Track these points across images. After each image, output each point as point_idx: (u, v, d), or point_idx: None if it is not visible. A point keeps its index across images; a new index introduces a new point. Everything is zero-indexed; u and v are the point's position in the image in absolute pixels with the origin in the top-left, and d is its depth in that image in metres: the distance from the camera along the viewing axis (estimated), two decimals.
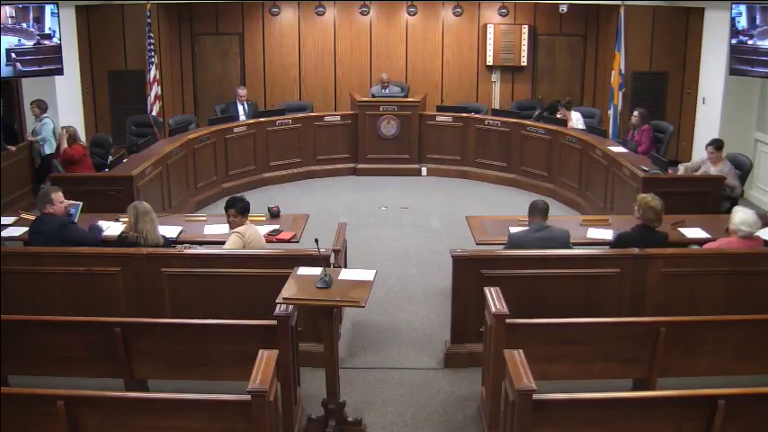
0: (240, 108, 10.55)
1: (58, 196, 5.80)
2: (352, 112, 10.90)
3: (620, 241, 5.57)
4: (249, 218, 5.90)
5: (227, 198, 6.08)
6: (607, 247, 5.95)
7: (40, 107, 9.28)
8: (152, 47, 10.96)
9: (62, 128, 8.67)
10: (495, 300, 4.56)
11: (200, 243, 6.18)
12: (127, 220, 5.58)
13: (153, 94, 11.00)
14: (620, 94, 10.97)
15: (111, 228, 6.24)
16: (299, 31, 12.54)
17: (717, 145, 7.76)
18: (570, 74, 12.58)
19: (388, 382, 5.31)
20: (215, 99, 11.86)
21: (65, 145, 8.39)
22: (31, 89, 9.78)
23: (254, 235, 5.74)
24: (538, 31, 12.40)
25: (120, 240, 5.53)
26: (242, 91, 10.75)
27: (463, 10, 12.23)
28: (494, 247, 5.85)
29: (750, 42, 8.51)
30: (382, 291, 6.68)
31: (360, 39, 12.59)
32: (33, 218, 6.41)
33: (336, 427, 4.60)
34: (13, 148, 9.00)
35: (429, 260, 7.53)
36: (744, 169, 7.88)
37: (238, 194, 6.62)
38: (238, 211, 5.72)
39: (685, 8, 10.98)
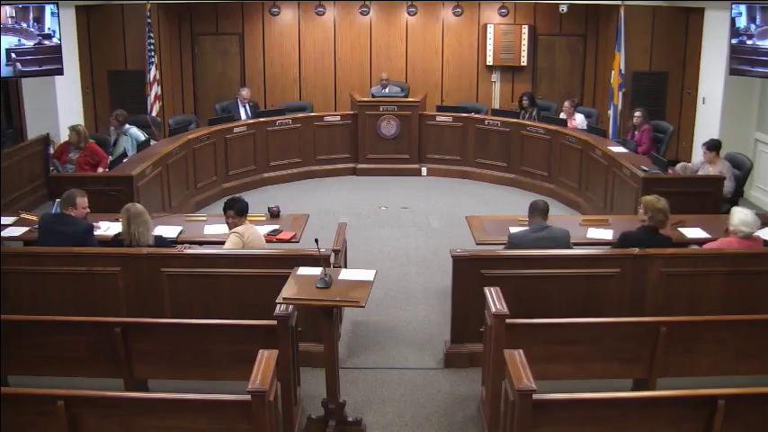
0: (242, 110, 10.51)
1: (82, 201, 5.78)
2: (352, 112, 10.89)
3: (624, 241, 5.56)
4: (249, 218, 5.89)
5: (225, 199, 6.07)
6: (607, 247, 5.95)
7: (119, 119, 9.25)
8: (152, 47, 10.96)
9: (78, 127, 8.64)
10: (495, 300, 4.56)
11: (201, 243, 6.17)
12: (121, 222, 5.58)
13: (153, 94, 11.00)
14: (620, 94, 10.98)
15: (111, 228, 6.24)
16: (299, 31, 12.54)
17: (709, 145, 7.79)
18: (570, 74, 12.59)
19: (388, 382, 5.31)
20: (215, 99, 11.85)
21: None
22: (31, 89, 9.78)
23: (254, 235, 5.73)
24: (538, 31, 12.40)
25: (116, 243, 5.53)
26: (245, 92, 10.66)
27: (463, 10, 12.23)
28: (494, 247, 5.85)
29: (750, 42, 8.50)
30: (382, 291, 6.68)
31: (360, 39, 12.60)
32: (36, 218, 6.40)
33: (336, 427, 4.60)
34: None
35: (429, 260, 7.53)
36: (744, 169, 7.88)
37: (237, 195, 6.60)
38: (236, 212, 5.72)
39: (685, 8, 10.98)
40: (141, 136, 9.25)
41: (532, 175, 10.07)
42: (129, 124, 9.44)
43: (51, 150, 9.27)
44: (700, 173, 7.84)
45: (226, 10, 12.31)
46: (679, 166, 8.27)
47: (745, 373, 4.70)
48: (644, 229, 5.56)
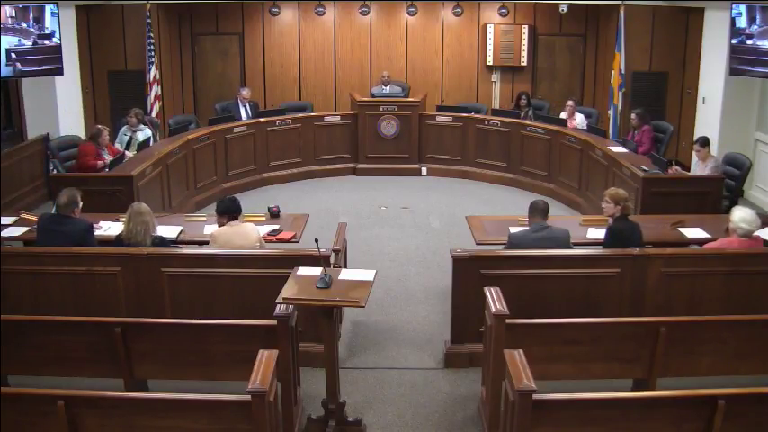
0: (242, 110, 10.53)
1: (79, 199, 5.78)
2: (352, 112, 10.90)
3: (614, 236, 5.58)
4: (248, 217, 5.87)
5: None
6: None
7: (138, 117, 9.23)
8: (152, 47, 10.96)
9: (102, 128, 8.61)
10: (495, 300, 4.56)
11: (200, 243, 6.17)
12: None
13: (153, 94, 11.00)
14: (620, 94, 10.98)
15: (111, 228, 6.24)
16: (299, 31, 12.54)
17: (701, 142, 7.91)
18: (570, 74, 12.59)
19: (388, 382, 5.31)
20: (215, 99, 11.86)
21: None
22: (31, 89, 9.78)
23: (228, 236, 5.60)
24: (538, 31, 12.40)
25: (117, 243, 5.54)
26: (245, 92, 10.69)
27: (463, 10, 12.23)
28: (494, 247, 5.85)
29: (750, 42, 8.50)
30: (382, 291, 6.68)
31: (360, 39, 12.60)
32: (36, 218, 6.39)
33: (336, 427, 4.60)
34: None
35: (429, 260, 7.53)
36: (743, 169, 7.89)
37: (225, 196, 6.54)
38: (217, 211, 5.72)
39: (685, 8, 10.98)
40: (149, 134, 9.29)
41: (532, 175, 10.07)
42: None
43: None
44: (693, 171, 7.86)
45: (226, 10, 12.30)
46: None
47: (746, 373, 4.70)
48: (620, 219, 5.63)
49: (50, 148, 8.87)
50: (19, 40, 8.75)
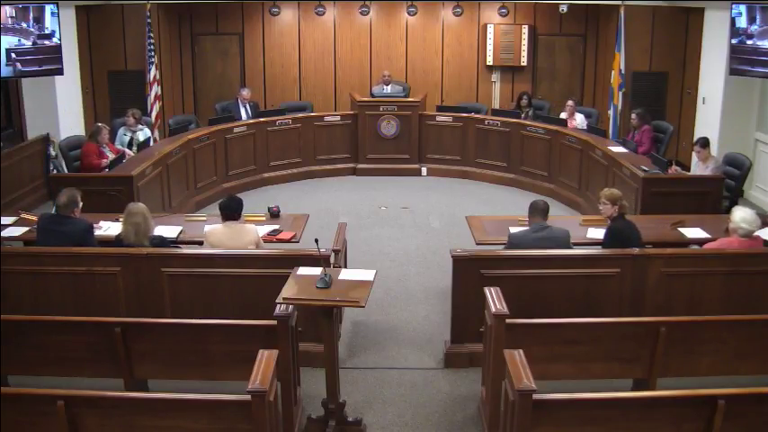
0: (243, 110, 10.53)
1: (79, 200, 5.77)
2: (352, 112, 10.90)
3: (614, 236, 5.58)
4: (248, 218, 5.87)
5: None
6: None
7: (135, 117, 9.24)
8: (152, 47, 10.96)
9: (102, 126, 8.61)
10: (495, 300, 4.56)
11: (200, 243, 6.17)
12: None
13: (153, 94, 11.00)
14: (620, 94, 10.98)
15: (111, 228, 6.24)
16: (299, 31, 12.54)
17: (702, 143, 7.90)
18: (570, 74, 12.59)
19: (388, 382, 5.31)
20: (215, 99, 11.86)
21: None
22: (31, 89, 9.78)
23: (219, 236, 5.63)
24: (538, 31, 12.40)
25: (117, 243, 5.54)
26: (245, 92, 10.70)
27: (463, 10, 12.23)
28: (494, 247, 5.85)
29: (750, 42, 8.50)
30: (382, 291, 6.68)
31: (360, 39, 12.60)
32: (36, 218, 6.40)
33: (336, 427, 4.60)
34: None
35: (429, 260, 7.53)
36: (743, 169, 7.89)
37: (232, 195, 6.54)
38: (219, 208, 5.73)
39: (685, 8, 10.98)
40: (149, 134, 9.28)
41: (532, 175, 10.07)
42: (121, 125, 9.49)
43: (52, 152, 9.26)
44: (693, 171, 7.86)
45: (226, 10, 12.31)
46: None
47: (746, 373, 4.71)
48: (618, 218, 5.64)
49: (61, 149, 8.86)
50: (19, 40, 8.75)
